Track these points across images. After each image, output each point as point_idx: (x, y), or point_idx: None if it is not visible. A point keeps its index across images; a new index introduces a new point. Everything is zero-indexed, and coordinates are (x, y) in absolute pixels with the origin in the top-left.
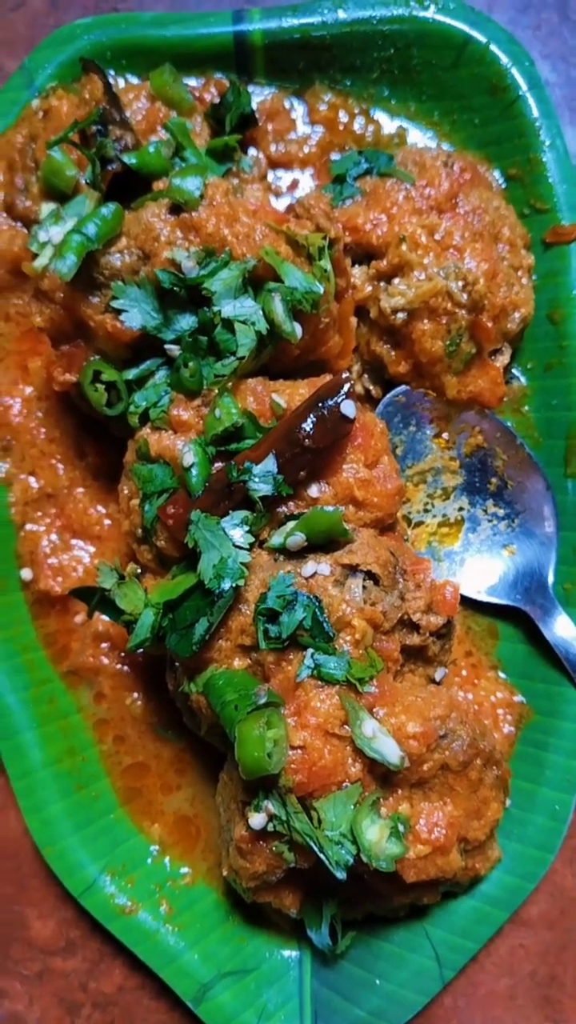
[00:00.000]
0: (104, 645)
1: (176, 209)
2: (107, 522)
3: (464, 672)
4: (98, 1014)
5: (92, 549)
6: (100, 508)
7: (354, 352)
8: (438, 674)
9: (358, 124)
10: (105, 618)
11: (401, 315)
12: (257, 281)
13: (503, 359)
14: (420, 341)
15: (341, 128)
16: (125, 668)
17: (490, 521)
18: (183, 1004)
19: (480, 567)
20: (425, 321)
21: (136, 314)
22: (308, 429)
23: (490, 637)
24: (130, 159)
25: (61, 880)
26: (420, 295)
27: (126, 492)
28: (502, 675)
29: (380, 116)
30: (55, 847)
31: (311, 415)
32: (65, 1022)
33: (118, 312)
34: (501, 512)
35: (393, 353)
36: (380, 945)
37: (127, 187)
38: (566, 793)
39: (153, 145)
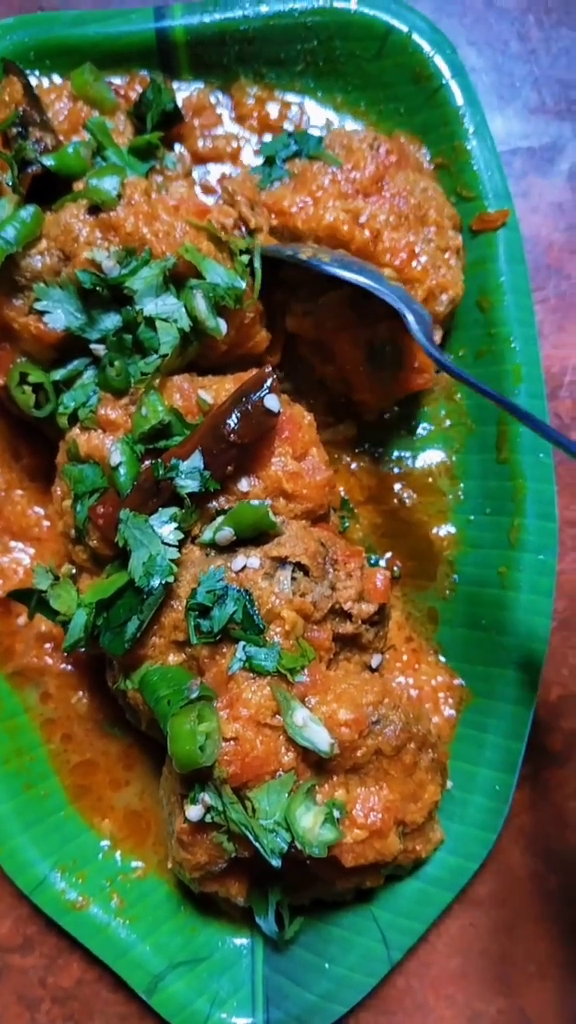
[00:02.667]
0: (47, 645)
1: (95, 209)
2: (46, 523)
3: (405, 657)
4: (57, 1008)
5: (32, 551)
6: (38, 509)
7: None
8: (374, 661)
9: (288, 116)
10: None
11: (310, 318)
12: (180, 278)
13: (436, 338)
14: (341, 353)
15: (270, 123)
16: (70, 667)
17: None
18: None
19: None
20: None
21: (60, 315)
22: (233, 424)
23: (430, 622)
24: (49, 161)
25: (12, 878)
26: (326, 301)
27: (59, 493)
28: (442, 659)
29: (309, 106)
30: (5, 846)
31: (235, 410)
32: (25, 1018)
33: (41, 314)
34: None
35: (320, 356)
36: (329, 930)
37: (49, 188)
38: (506, 773)
39: (72, 146)
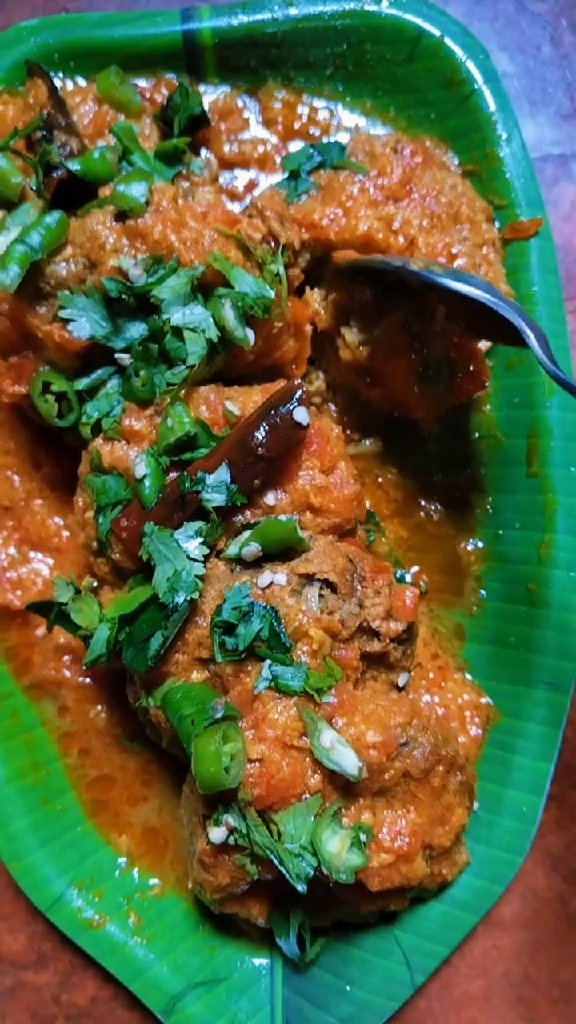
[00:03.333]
0: (66, 658)
1: (122, 216)
2: (66, 533)
3: (431, 675)
4: None
5: (51, 561)
6: (58, 519)
7: (324, 377)
8: (401, 679)
9: (316, 119)
10: None
11: (365, 348)
12: (207, 287)
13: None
14: (392, 377)
15: (297, 128)
16: (88, 681)
17: None
18: None
19: None
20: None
21: (85, 323)
22: (261, 437)
23: (456, 639)
24: (75, 165)
25: (28, 895)
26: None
27: (81, 504)
28: (469, 677)
29: (337, 111)
30: (21, 862)
31: (263, 423)
32: None
33: (66, 322)
34: None
35: (368, 378)
36: (350, 951)
37: (74, 193)
38: (534, 795)
39: (99, 150)
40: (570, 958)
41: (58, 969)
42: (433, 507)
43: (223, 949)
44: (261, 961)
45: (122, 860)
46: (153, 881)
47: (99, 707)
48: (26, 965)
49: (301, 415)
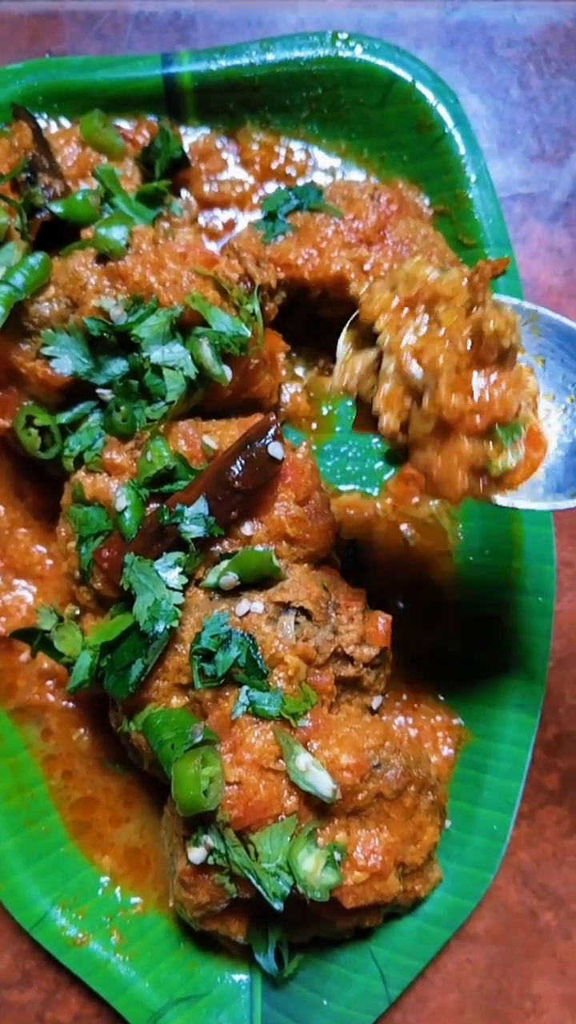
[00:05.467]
0: (50, 683)
1: (103, 258)
2: (49, 562)
3: (404, 696)
4: None
5: (35, 589)
6: (41, 548)
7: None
8: (375, 702)
9: (292, 160)
10: None
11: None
12: (186, 326)
13: None
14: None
15: (275, 168)
16: (71, 705)
17: None
18: None
19: None
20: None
21: (67, 360)
22: (237, 471)
23: (430, 661)
24: (58, 208)
25: (12, 915)
26: None
27: (63, 534)
28: (441, 698)
29: (313, 152)
30: (6, 883)
31: (240, 458)
32: None
33: (49, 359)
34: None
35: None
36: (327, 967)
37: (58, 233)
38: (504, 813)
39: (81, 193)
40: (541, 971)
41: (42, 987)
42: (408, 533)
43: (203, 965)
44: (240, 977)
45: (105, 879)
46: (135, 900)
47: (82, 731)
48: (10, 984)
49: (276, 450)
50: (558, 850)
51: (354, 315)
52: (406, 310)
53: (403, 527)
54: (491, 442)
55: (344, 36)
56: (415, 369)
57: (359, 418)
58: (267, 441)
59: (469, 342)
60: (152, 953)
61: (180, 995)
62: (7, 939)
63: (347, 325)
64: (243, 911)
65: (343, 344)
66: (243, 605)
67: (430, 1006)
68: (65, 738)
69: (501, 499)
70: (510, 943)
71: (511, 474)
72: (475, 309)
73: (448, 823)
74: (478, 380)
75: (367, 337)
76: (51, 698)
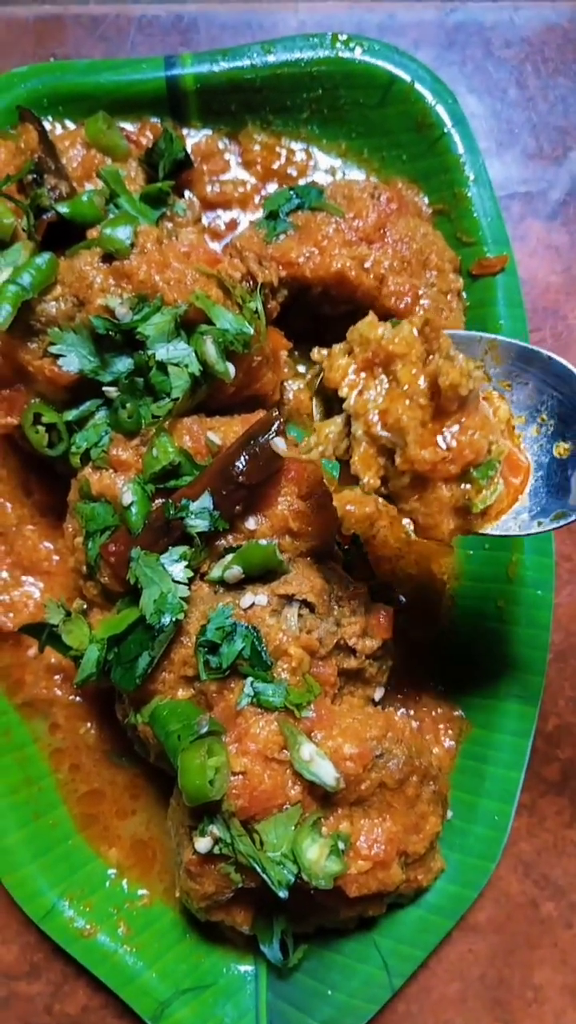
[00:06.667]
0: (57, 677)
1: (109, 257)
2: (56, 558)
3: (406, 688)
4: None
5: (42, 584)
6: (49, 544)
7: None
8: (377, 694)
9: (293, 160)
10: None
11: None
12: (190, 324)
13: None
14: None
15: (276, 168)
16: (78, 699)
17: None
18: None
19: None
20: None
21: (73, 358)
22: (241, 466)
23: (431, 654)
24: (64, 208)
25: (21, 906)
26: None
27: (70, 530)
28: (442, 690)
29: (313, 153)
30: (15, 875)
31: (243, 453)
32: None
33: (56, 357)
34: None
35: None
36: (331, 957)
37: (64, 233)
38: (504, 803)
39: (87, 194)
40: (542, 961)
41: (50, 979)
42: (410, 527)
43: (209, 956)
44: (246, 967)
45: (112, 871)
46: (142, 891)
47: (89, 724)
48: (19, 976)
49: (279, 445)
50: (559, 840)
51: (319, 380)
52: (364, 374)
53: (404, 521)
54: (469, 484)
55: (344, 37)
56: (382, 431)
57: (342, 475)
58: (270, 437)
59: (430, 395)
60: (159, 944)
61: (186, 985)
62: (15, 931)
63: (313, 392)
64: (248, 902)
65: (315, 410)
66: (247, 598)
67: (433, 995)
68: (72, 732)
69: (491, 530)
70: (512, 933)
71: (495, 505)
72: (430, 357)
73: (450, 813)
74: (444, 431)
75: (335, 399)
76: (58, 692)
